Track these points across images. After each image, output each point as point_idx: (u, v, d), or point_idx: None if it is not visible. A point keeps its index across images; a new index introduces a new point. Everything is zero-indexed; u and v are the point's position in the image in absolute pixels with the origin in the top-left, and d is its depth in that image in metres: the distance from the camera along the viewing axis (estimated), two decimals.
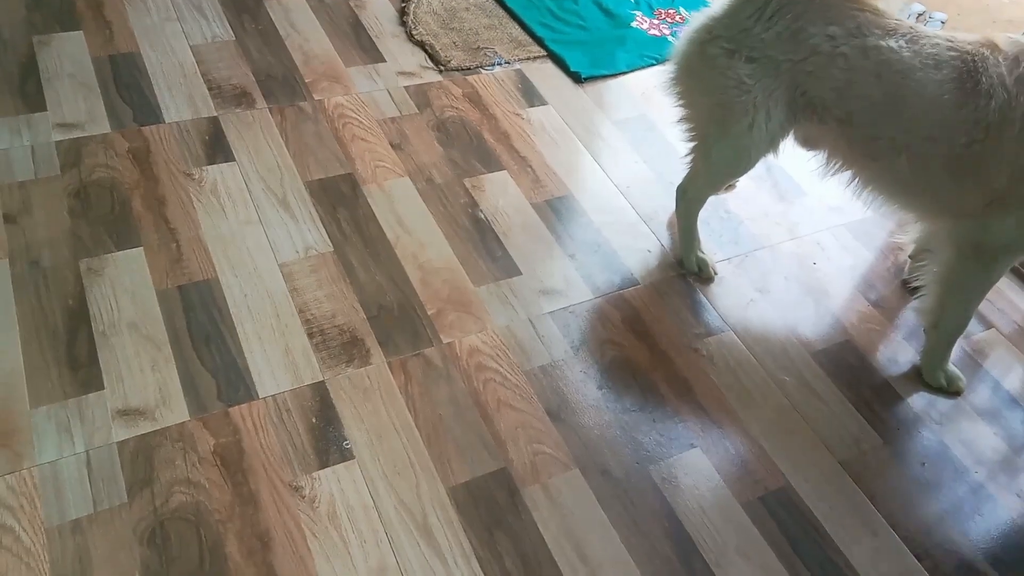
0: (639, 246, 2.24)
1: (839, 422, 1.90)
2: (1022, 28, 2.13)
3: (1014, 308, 2.24)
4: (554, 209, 2.30)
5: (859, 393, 1.97)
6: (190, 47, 2.58)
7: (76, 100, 2.33)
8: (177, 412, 1.71)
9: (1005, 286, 2.29)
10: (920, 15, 5.29)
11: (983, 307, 2.21)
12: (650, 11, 3.07)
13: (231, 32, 2.66)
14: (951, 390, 1.98)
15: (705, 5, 2.76)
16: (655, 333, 2.03)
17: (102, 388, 1.72)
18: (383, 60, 2.68)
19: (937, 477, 1.83)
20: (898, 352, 2.06)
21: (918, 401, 1.97)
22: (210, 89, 2.45)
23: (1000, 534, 1.75)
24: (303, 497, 1.62)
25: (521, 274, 2.11)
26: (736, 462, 1.80)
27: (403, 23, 2.84)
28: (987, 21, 5.08)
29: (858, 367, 2.03)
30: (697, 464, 1.78)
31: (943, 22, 5.30)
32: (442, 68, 2.69)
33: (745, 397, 1.92)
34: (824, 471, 1.80)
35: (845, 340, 2.08)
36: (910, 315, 2.19)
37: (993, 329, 2.18)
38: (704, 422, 1.86)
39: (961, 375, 2.00)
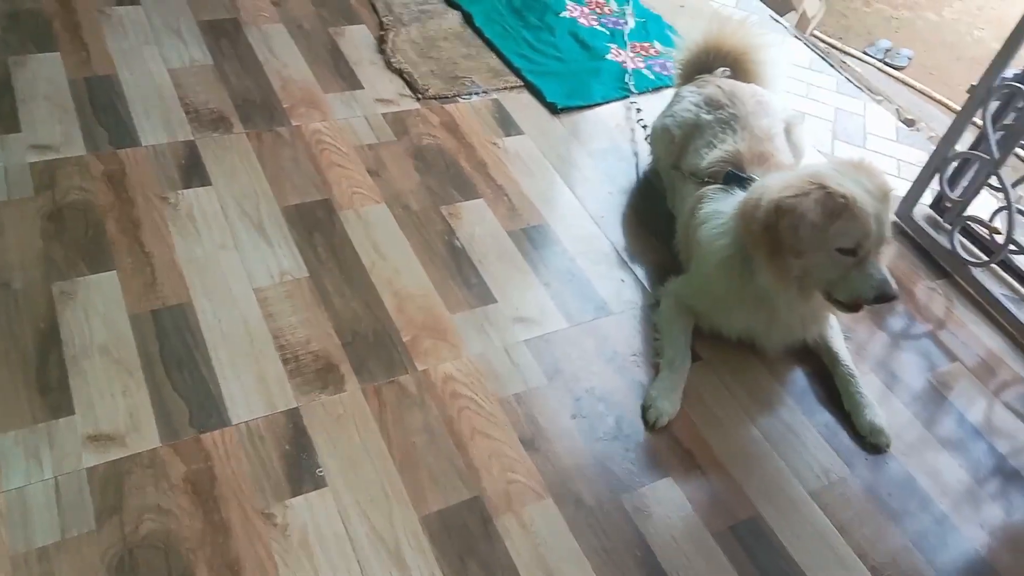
0: (613, 275, 2.27)
1: (808, 453, 1.93)
2: (985, 65, 2.20)
3: (977, 342, 2.29)
4: (529, 237, 2.33)
5: (826, 424, 2.00)
6: (168, 70, 2.58)
7: (51, 122, 2.32)
8: (148, 438, 1.69)
9: (969, 320, 2.35)
10: (888, 51, 5.44)
11: (948, 340, 2.28)
12: (624, 44, 3.13)
13: (209, 56, 2.67)
14: None
15: (676, 35, 2.83)
16: (629, 363, 2.05)
17: (72, 413, 1.70)
18: (361, 87, 2.70)
19: (903, 507, 1.87)
20: (864, 384, 2.10)
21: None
22: (187, 113, 2.45)
23: (965, 564, 1.79)
24: (275, 525, 1.60)
25: (496, 302, 2.13)
26: (707, 492, 1.82)
27: (382, 51, 2.87)
28: (952, 58, 5.25)
29: (825, 398, 2.06)
30: (669, 493, 1.80)
31: (910, 58, 5.46)
32: (420, 96, 2.72)
33: (716, 427, 1.95)
34: (793, 501, 1.83)
35: (812, 372, 2.12)
36: (877, 348, 2.24)
37: (958, 362, 2.24)
38: (677, 451, 1.88)
39: None
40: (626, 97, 2.89)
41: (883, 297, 1.80)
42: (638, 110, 2.80)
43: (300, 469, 1.70)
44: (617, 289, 2.24)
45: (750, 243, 1.89)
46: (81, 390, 1.74)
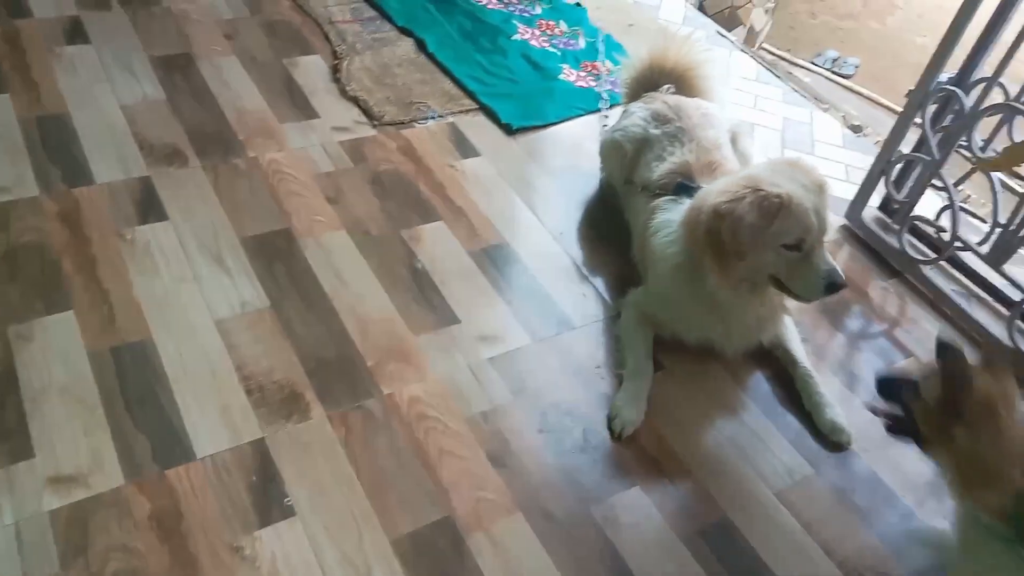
0: (574, 290, 2.30)
1: (772, 454, 1.96)
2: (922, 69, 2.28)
3: (931, 338, 2.34)
4: (490, 257, 2.35)
5: (789, 425, 2.04)
6: (120, 107, 2.57)
7: (3, 163, 2.30)
8: (111, 477, 1.67)
9: (922, 317, 2.41)
10: (835, 60, 5.60)
11: (903, 338, 2.33)
12: (576, 64, 3.18)
13: (162, 91, 2.67)
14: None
15: (625, 56, 2.89)
16: (593, 375, 2.07)
17: (32, 456, 1.68)
18: (317, 116, 2.72)
19: (869, 504, 1.90)
20: (824, 384, 2.14)
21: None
22: (141, 148, 2.44)
23: (931, 557, 1.82)
24: (244, 558, 1.59)
25: (460, 322, 2.14)
26: (675, 498, 1.84)
27: (336, 79, 2.89)
28: (896, 64, 5.41)
29: (786, 400, 2.10)
30: (638, 502, 1.81)
31: (856, 66, 5.61)
32: (376, 123, 2.74)
33: (682, 434, 1.97)
34: (760, 502, 1.86)
35: (772, 375, 2.16)
36: (836, 349, 2.29)
37: (914, 359, 2.29)
38: (643, 460, 1.90)
39: None
40: (580, 115, 2.94)
41: (833, 287, 1.85)
42: (604, 126, 2.83)
43: (268, 500, 1.69)
44: (579, 303, 2.26)
45: (696, 249, 1.94)
46: (41, 432, 1.72)
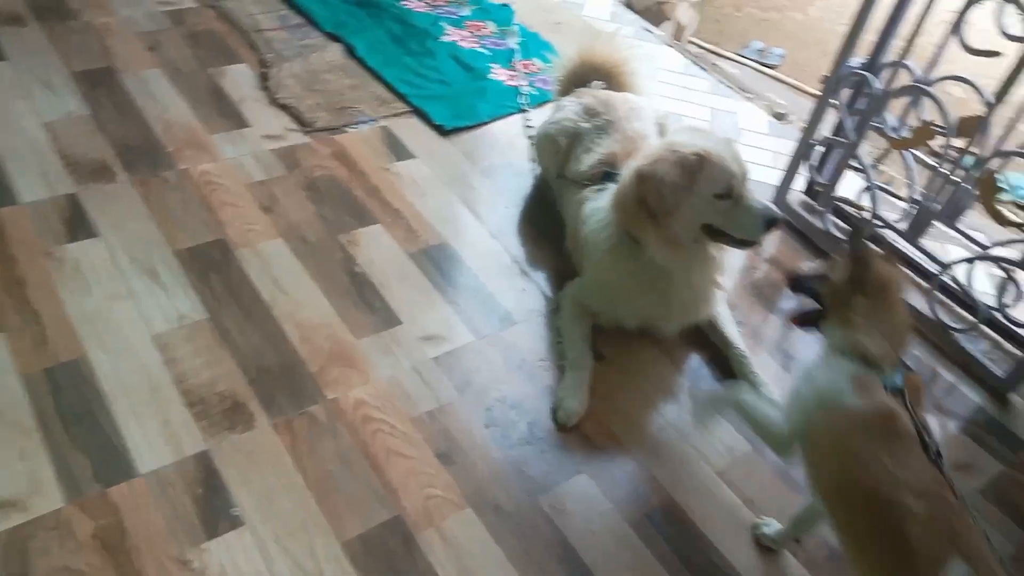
0: (515, 286, 2.33)
1: (712, 434, 2.02)
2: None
3: None
4: (430, 257, 2.36)
5: None
6: (42, 124, 2.51)
7: None
8: (51, 499, 1.64)
9: None
10: (761, 51, 5.75)
11: None
12: (506, 63, 3.22)
13: (86, 107, 2.62)
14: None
15: (550, 58, 2.93)
16: (537, 368, 2.10)
17: None
18: (247, 125, 2.70)
19: (802, 475, 1.96)
20: (758, 364, 2.21)
21: None
22: (67, 165, 2.39)
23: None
24: (192, 571, 1.58)
25: (402, 323, 2.15)
26: (621, 483, 1.88)
27: (265, 88, 2.87)
28: (820, 53, 5.58)
29: (723, 380, 2.16)
30: (585, 490, 1.85)
31: (782, 56, 5.77)
32: (308, 129, 2.73)
33: (625, 420, 2.02)
34: (702, 482, 1.91)
35: (709, 358, 2.22)
36: (771, 331, 2.36)
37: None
38: (588, 448, 1.94)
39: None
40: (512, 114, 2.97)
41: (773, 222, 1.94)
42: (528, 126, 2.88)
43: (214, 511, 1.68)
44: (520, 299, 2.29)
45: (628, 222, 2.00)
46: None
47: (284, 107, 2.80)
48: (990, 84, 2.13)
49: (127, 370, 1.90)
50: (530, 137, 2.85)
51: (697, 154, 1.90)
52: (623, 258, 2.04)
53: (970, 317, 2.34)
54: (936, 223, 2.34)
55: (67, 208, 2.27)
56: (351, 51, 3.12)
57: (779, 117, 3.46)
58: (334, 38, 3.18)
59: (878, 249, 1.63)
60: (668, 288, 2.05)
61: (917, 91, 2.25)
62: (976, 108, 2.15)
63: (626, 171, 2.03)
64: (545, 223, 2.53)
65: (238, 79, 2.88)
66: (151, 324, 2.01)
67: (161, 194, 2.38)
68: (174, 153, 2.52)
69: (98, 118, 2.59)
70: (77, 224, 2.23)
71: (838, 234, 2.56)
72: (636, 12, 4.06)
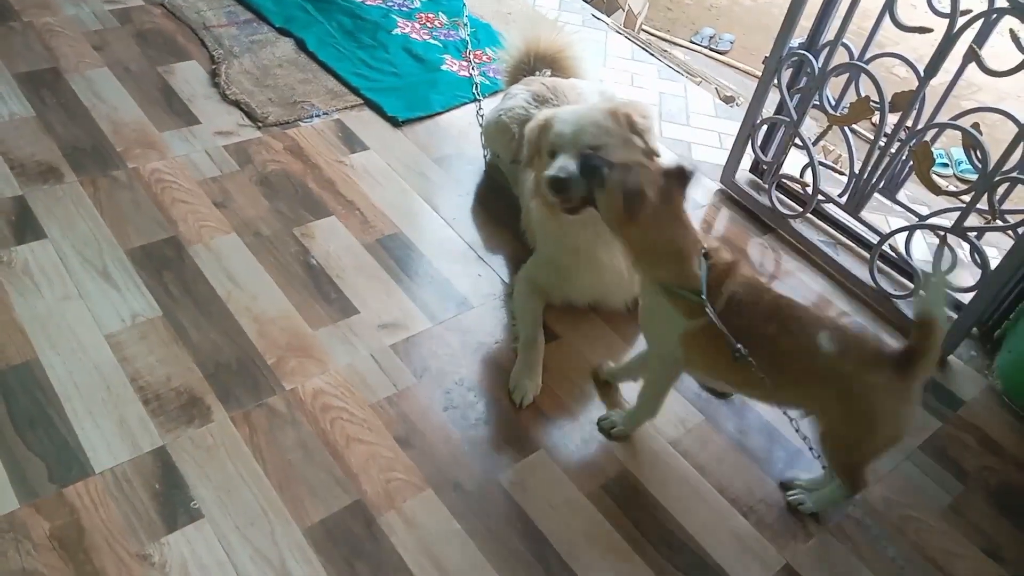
0: (470, 272, 2.35)
1: (666, 406, 2.06)
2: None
3: (806, 287, 2.51)
4: (385, 247, 2.38)
5: (682, 377, 2.14)
6: None
7: None
8: (4, 502, 1.63)
9: (796, 268, 2.56)
10: (711, 37, 5.83)
11: (781, 288, 2.46)
12: (458, 54, 3.24)
13: (30, 108, 2.58)
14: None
15: (501, 47, 2.96)
16: (493, 351, 2.13)
17: None
18: (198, 122, 2.68)
19: (757, 445, 2.03)
20: None
21: None
22: (12, 168, 2.36)
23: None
24: (152, 565, 1.58)
25: (359, 312, 2.17)
26: (578, 458, 1.92)
27: (216, 84, 2.85)
28: (768, 38, 5.68)
29: None
30: (543, 465, 1.89)
31: (732, 41, 5.86)
32: (260, 124, 2.73)
33: (580, 397, 2.06)
34: (656, 452, 1.96)
35: None
36: None
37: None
38: (545, 425, 1.97)
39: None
40: (465, 104, 3.00)
41: (556, 182, 1.92)
42: (481, 115, 2.90)
43: (173, 505, 1.68)
44: (475, 284, 2.32)
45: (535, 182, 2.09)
46: None
47: (235, 103, 2.79)
48: (924, 62, 2.20)
49: (80, 370, 1.89)
50: (482, 126, 2.87)
51: (546, 118, 2.02)
52: (556, 228, 2.08)
53: (909, 284, 2.42)
54: (877, 196, 2.41)
55: (13, 210, 2.24)
56: (302, 45, 3.12)
57: (728, 100, 3.53)
58: (284, 33, 3.18)
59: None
60: (599, 264, 2.09)
61: (855, 69, 2.32)
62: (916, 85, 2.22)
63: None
64: (499, 210, 2.56)
65: (188, 76, 2.87)
66: (104, 324, 2.01)
67: (111, 194, 2.36)
68: (124, 152, 2.50)
69: (44, 119, 2.56)
70: (24, 226, 2.21)
71: (783, 209, 2.63)
72: (586, 0, 4.09)
